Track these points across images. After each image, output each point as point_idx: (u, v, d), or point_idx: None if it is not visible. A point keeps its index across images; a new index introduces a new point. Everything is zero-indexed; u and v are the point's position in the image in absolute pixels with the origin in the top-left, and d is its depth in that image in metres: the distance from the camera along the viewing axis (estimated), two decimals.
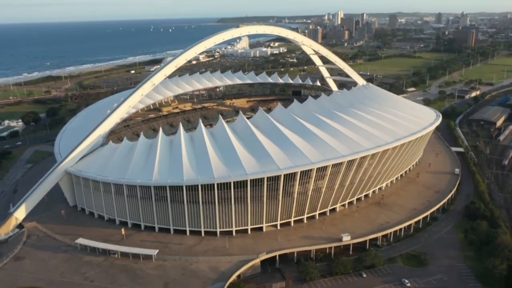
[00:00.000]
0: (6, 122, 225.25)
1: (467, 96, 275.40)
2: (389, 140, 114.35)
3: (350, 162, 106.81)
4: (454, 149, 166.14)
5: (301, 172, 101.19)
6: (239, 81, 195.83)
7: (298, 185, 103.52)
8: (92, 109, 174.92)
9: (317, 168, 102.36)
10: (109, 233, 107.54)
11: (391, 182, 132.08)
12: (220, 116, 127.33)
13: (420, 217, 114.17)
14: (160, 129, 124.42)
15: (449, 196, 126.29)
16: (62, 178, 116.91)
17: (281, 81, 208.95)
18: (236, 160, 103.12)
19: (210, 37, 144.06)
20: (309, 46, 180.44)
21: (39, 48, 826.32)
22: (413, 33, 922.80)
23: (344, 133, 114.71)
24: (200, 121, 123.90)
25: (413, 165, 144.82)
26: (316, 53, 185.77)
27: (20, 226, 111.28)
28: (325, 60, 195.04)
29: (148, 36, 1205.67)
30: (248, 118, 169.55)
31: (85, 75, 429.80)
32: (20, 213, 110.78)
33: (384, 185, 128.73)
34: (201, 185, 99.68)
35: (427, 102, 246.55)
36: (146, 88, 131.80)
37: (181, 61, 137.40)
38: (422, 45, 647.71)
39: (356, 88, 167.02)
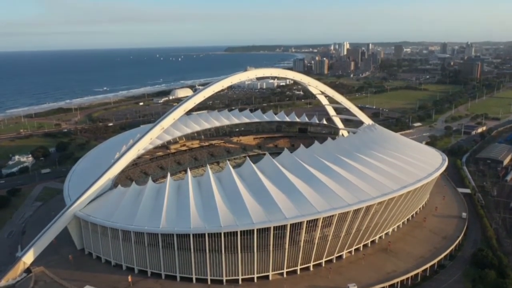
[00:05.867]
0: (17, 157, 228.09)
1: (473, 132, 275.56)
2: (395, 188, 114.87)
3: (356, 211, 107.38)
4: (460, 190, 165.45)
5: (307, 221, 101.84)
6: (246, 120, 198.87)
7: (305, 233, 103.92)
8: (101, 148, 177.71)
9: (323, 218, 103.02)
10: (116, 279, 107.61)
11: (398, 227, 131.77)
12: (228, 162, 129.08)
13: (428, 265, 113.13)
14: (168, 175, 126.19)
15: (457, 242, 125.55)
16: (71, 222, 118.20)
17: (287, 119, 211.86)
18: (243, 208, 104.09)
19: (219, 81, 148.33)
20: (315, 87, 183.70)
21: (50, 78, 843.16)
22: (418, 63, 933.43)
23: (350, 180, 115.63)
24: (208, 167, 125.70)
25: (419, 208, 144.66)
26: (323, 93, 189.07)
27: (27, 270, 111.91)
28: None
29: (158, 65, 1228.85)
30: (254, 155, 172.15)
31: (95, 106, 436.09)
32: (28, 258, 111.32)
33: (390, 230, 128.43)
34: (208, 234, 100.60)
35: (433, 139, 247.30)
36: (155, 132, 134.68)
37: (189, 105, 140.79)
38: (427, 77, 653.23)
39: (362, 130, 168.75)
